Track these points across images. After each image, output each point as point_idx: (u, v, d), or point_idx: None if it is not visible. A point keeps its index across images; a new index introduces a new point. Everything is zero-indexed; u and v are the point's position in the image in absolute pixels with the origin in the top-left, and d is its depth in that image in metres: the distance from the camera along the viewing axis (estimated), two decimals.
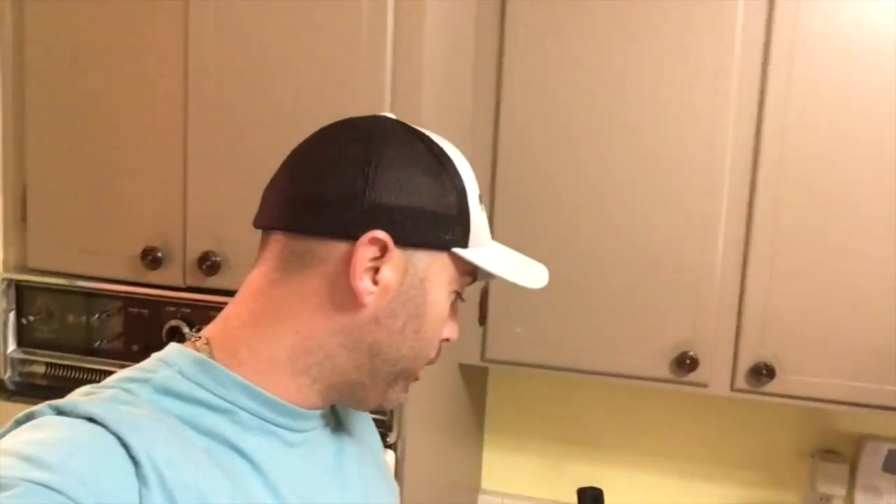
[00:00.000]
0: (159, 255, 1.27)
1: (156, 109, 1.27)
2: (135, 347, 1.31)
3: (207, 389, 0.64)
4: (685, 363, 1.35)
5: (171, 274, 1.28)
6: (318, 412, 0.72)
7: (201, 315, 1.28)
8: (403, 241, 0.65)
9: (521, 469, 1.80)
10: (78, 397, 0.61)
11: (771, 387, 1.33)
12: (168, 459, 0.57)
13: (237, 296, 0.70)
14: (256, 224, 0.72)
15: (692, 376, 1.36)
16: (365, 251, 0.64)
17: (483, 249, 0.71)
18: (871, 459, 1.58)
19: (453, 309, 0.73)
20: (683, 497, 1.71)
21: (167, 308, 1.29)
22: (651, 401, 1.70)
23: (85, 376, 1.34)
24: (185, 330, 1.27)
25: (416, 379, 0.74)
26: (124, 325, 1.32)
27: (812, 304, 1.30)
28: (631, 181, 1.36)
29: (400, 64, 1.16)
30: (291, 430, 0.68)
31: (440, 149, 0.69)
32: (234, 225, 1.25)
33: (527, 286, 0.73)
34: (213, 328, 0.69)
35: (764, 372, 1.32)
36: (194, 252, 1.26)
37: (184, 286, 1.28)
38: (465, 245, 0.68)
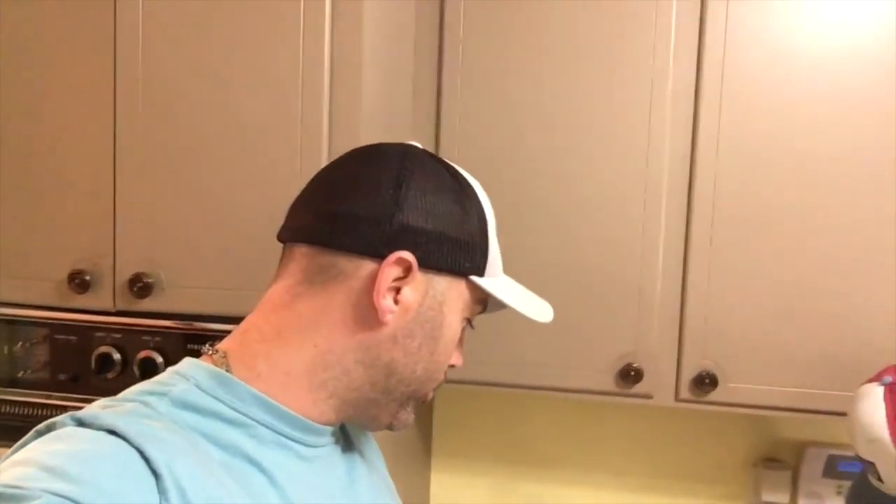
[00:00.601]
0: (87, 278, 1.22)
1: (83, 126, 1.22)
2: (62, 377, 1.25)
3: (224, 403, 0.65)
4: (630, 375, 1.35)
5: (100, 298, 1.23)
6: (330, 427, 0.72)
7: (133, 340, 1.23)
8: (427, 264, 0.68)
9: (470, 491, 1.78)
10: (98, 409, 0.61)
11: (714, 396, 1.34)
12: (188, 473, 0.57)
13: (256, 309, 0.71)
14: (281, 237, 0.74)
15: (637, 388, 1.36)
16: (390, 270, 0.66)
17: (497, 280, 0.75)
18: (813, 466, 1.61)
19: (462, 335, 0.76)
20: None
21: (97, 334, 1.24)
22: (598, 415, 1.70)
23: (8, 409, 1.27)
24: (116, 356, 1.22)
25: (425, 401, 0.76)
26: (51, 353, 1.25)
27: (751, 313, 1.32)
28: (569, 195, 1.37)
29: (338, 70, 1.15)
30: (306, 444, 0.69)
31: (464, 179, 0.73)
32: (167, 245, 1.20)
33: (536, 320, 0.78)
34: (230, 341, 0.70)
35: (707, 381, 1.33)
36: (125, 274, 1.21)
37: (114, 310, 1.23)
38: (481, 274, 0.72)
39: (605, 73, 1.35)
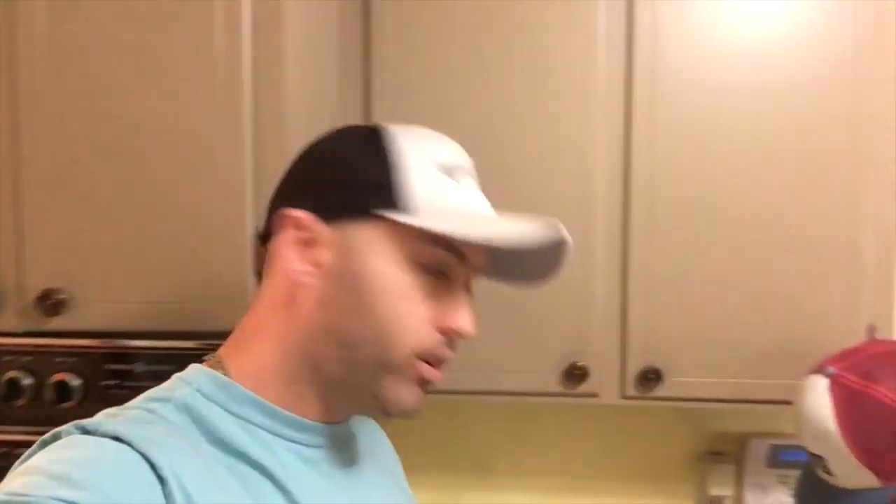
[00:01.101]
0: None
1: None
2: None
3: (224, 407, 0.65)
4: (575, 374, 1.32)
5: (4, 319, 1.13)
6: (331, 426, 0.70)
7: (45, 363, 1.13)
8: (326, 214, 0.66)
9: None
10: (102, 417, 0.61)
11: (660, 391, 1.32)
12: (193, 477, 0.57)
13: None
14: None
15: (583, 387, 1.33)
16: (285, 234, 0.66)
17: (443, 218, 0.65)
18: (756, 457, 1.61)
19: (438, 290, 0.66)
20: None
21: (4, 358, 1.14)
22: (540, 418, 1.66)
23: None
24: (27, 381, 1.12)
25: (421, 376, 0.67)
26: None
27: (692, 307, 1.32)
28: (505, 197, 1.33)
29: (260, 72, 1.09)
30: (306, 445, 0.68)
31: (383, 127, 0.69)
32: (79, 257, 1.12)
33: (498, 240, 0.65)
34: (226, 345, 0.71)
35: (652, 377, 1.31)
36: (33, 291, 1.11)
37: (21, 331, 1.13)
38: (398, 209, 0.65)
39: (536, 74, 1.32)
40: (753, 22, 1.29)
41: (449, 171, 0.67)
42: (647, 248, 1.32)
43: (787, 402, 1.29)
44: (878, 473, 0.97)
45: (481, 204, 0.70)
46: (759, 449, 1.61)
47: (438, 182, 0.67)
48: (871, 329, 1.28)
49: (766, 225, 1.30)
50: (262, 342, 0.68)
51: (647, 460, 1.66)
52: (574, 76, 1.32)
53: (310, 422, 0.68)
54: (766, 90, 1.29)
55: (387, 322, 0.64)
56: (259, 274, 1.08)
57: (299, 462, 0.67)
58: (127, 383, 1.13)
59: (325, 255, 0.65)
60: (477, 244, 0.65)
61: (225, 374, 0.67)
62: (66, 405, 1.12)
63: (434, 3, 1.33)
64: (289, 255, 0.66)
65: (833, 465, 1.01)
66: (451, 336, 0.67)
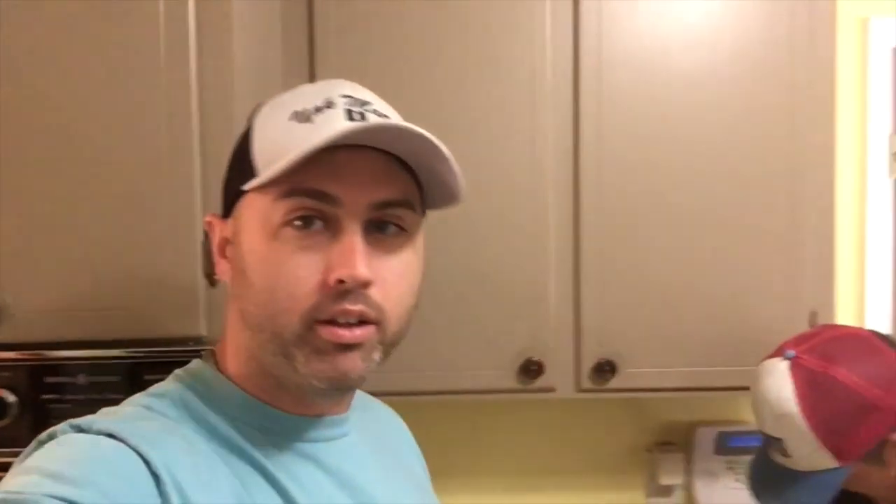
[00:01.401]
0: None
1: None
2: None
3: (218, 403, 0.65)
4: (531, 370, 1.32)
5: None
6: (327, 419, 0.69)
7: None
8: (225, 211, 0.68)
9: None
10: (97, 415, 0.62)
11: (615, 383, 1.33)
12: (188, 474, 0.58)
13: None
14: None
15: (539, 382, 1.33)
16: (211, 239, 0.69)
17: (276, 164, 0.60)
18: (704, 445, 1.65)
19: (317, 244, 0.61)
20: None
21: None
22: (498, 417, 1.65)
23: None
24: None
25: (332, 341, 0.61)
26: None
27: (644, 299, 1.33)
28: None
29: (207, 73, 1.05)
30: (303, 441, 0.67)
31: (261, 102, 0.69)
32: (12, 264, 1.05)
33: (307, 151, 0.58)
34: (221, 338, 0.71)
35: (607, 369, 1.32)
36: None
37: None
38: (255, 174, 0.63)
39: (484, 71, 1.32)
40: (698, 15, 1.32)
41: (306, 117, 0.62)
42: (599, 242, 1.33)
43: (737, 389, 1.33)
44: (836, 453, 1.00)
45: (332, 128, 0.60)
46: (706, 437, 1.65)
47: (286, 133, 0.62)
48: (814, 316, 1.33)
49: (712, 217, 1.33)
50: (228, 332, 0.70)
51: (599, 453, 1.68)
52: (522, 70, 1.32)
53: (299, 416, 0.67)
54: (709, 84, 1.32)
55: (270, 296, 0.61)
56: (209, 276, 1.05)
57: (297, 457, 0.66)
58: (68, 396, 1.07)
59: (230, 250, 0.67)
60: (293, 167, 0.58)
61: (218, 369, 0.68)
62: (1, 423, 1.05)
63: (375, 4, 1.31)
64: (215, 257, 0.69)
65: (791, 446, 1.03)
66: (339, 289, 0.60)
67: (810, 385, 1.00)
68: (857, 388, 0.98)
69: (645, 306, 1.33)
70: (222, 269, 0.68)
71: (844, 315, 1.58)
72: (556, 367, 1.33)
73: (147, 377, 1.02)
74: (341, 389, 0.65)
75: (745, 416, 1.67)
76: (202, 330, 1.06)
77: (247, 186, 0.63)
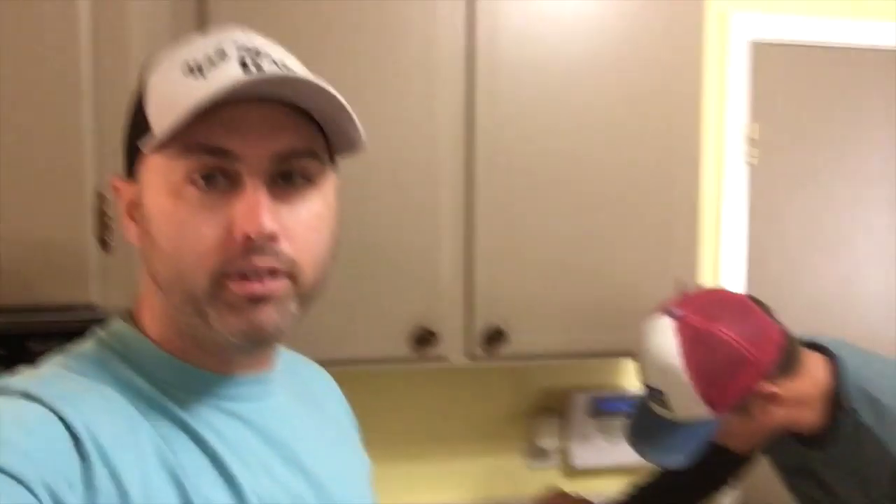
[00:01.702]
0: None
1: None
2: None
3: (136, 362, 0.64)
4: (425, 339, 1.35)
5: None
6: (250, 377, 0.68)
7: None
8: (128, 173, 0.65)
9: None
10: (13, 377, 0.60)
11: (504, 350, 1.39)
12: (109, 434, 0.57)
13: None
14: None
15: (432, 351, 1.36)
16: (119, 202, 0.67)
17: (169, 122, 0.58)
18: (578, 409, 1.75)
19: (221, 200, 0.60)
20: (423, 482, 1.72)
21: None
22: (386, 387, 1.67)
23: None
24: None
25: (243, 295, 0.60)
26: None
27: (533, 269, 1.39)
28: (349, 163, 1.32)
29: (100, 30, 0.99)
30: (226, 399, 0.66)
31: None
32: None
33: (196, 106, 0.56)
34: (138, 297, 0.69)
35: (497, 337, 1.37)
36: None
37: None
38: (147, 136, 0.61)
39: (380, 37, 1.32)
40: (583, 6, 1.38)
41: (198, 69, 0.60)
42: (490, 214, 1.37)
43: (615, 354, 1.43)
44: (711, 404, 1.10)
45: (225, 80, 0.57)
46: (580, 401, 1.75)
47: (178, 88, 0.60)
48: (680, 284, 1.44)
49: (591, 196, 1.41)
50: (146, 300, 0.68)
51: (482, 420, 1.74)
52: (416, 39, 1.33)
53: (221, 375, 0.66)
54: (591, 73, 1.39)
55: (176, 255, 0.60)
56: (102, 239, 1.00)
57: (222, 415, 0.65)
58: None
59: (136, 212, 0.64)
60: (186, 123, 0.56)
61: (137, 329, 0.66)
62: None
63: None
64: (124, 224, 0.66)
65: (672, 398, 1.12)
66: (247, 245, 0.59)
67: (693, 341, 1.09)
68: (734, 343, 1.08)
69: (533, 278, 1.39)
70: (131, 232, 0.66)
71: (705, 283, 1.72)
72: (448, 335, 1.37)
73: (32, 346, 0.97)
74: (258, 343, 0.64)
75: (617, 381, 1.79)
76: (94, 297, 1.00)
77: (143, 146, 0.61)
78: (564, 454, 1.77)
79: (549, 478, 1.76)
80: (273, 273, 0.61)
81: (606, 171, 1.41)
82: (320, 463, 0.71)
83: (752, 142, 1.81)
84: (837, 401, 1.14)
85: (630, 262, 1.44)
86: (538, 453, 1.75)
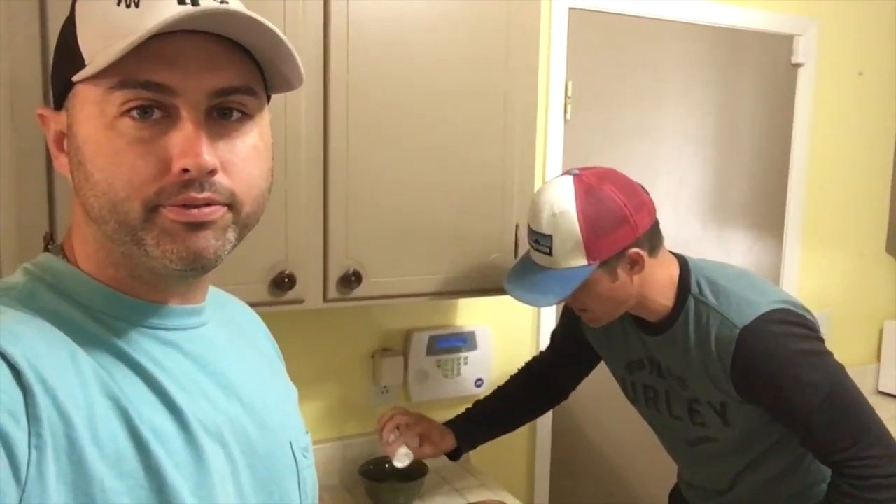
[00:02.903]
0: None
1: None
2: None
3: (68, 293, 0.64)
4: (283, 283, 1.38)
5: None
6: (183, 307, 0.70)
7: None
8: (57, 103, 0.65)
9: None
10: None
11: (359, 292, 1.45)
12: (49, 366, 0.56)
13: None
14: None
15: (290, 294, 1.40)
16: (46, 133, 0.67)
17: (105, 56, 0.59)
18: (417, 348, 1.86)
19: (158, 133, 0.60)
20: None
21: None
22: None
23: None
24: None
25: (181, 220, 0.62)
26: None
27: (384, 218, 1.46)
28: None
29: None
30: (161, 328, 0.67)
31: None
32: None
33: (131, 42, 0.57)
34: (68, 229, 0.69)
35: (353, 279, 1.43)
36: None
37: None
38: (84, 63, 0.61)
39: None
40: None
41: (133, 0, 0.60)
42: (345, 161, 1.41)
43: (457, 293, 1.55)
44: (589, 252, 1.28)
45: (161, 13, 0.59)
46: (419, 341, 1.86)
47: (112, 19, 0.60)
48: (517, 229, 1.58)
49: (439, 149, 1.49)
50: (77, 231, 0.68)
51: (332, 361, 1.81)
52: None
53: (156, 304, 0.67)
54: (442, 32, 1.47)
55: (108, 186, 0.61)
56: None
57: (159, 344, 0.67)
58: None
59: (66, 143, 0.64)
60: (122, 56, 0.57)
61: (67, 260, 0.66)
62: None
63: None
64: (52, 151, 0.67)
65: (557, 243, 1.29)
66: (184, 178, 0.60)
67: (586, 193, 1.28)
68: (619, 202, 1.28)
69: (386, 223, 1.46)
70: (61, 162, 0.66)
71: None
72: (306, 279, 1.41)
73: None
74: (197, 269, 0.65)
75: (451, 320, 1.92)
76: None
77: (76, 78, 0.61)
78: (405, 390, 1.88)
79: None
80: (210, 204, 0.62)
81: (451, 129, 1.50)
82: (253, 389, 0.74)
83: (567, 98, 1.99)
84: (685, 285, 1.35)
85: (474, 210, 1.55)
86: (382, 391, 1.85)
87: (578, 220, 1.27)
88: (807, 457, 1.40)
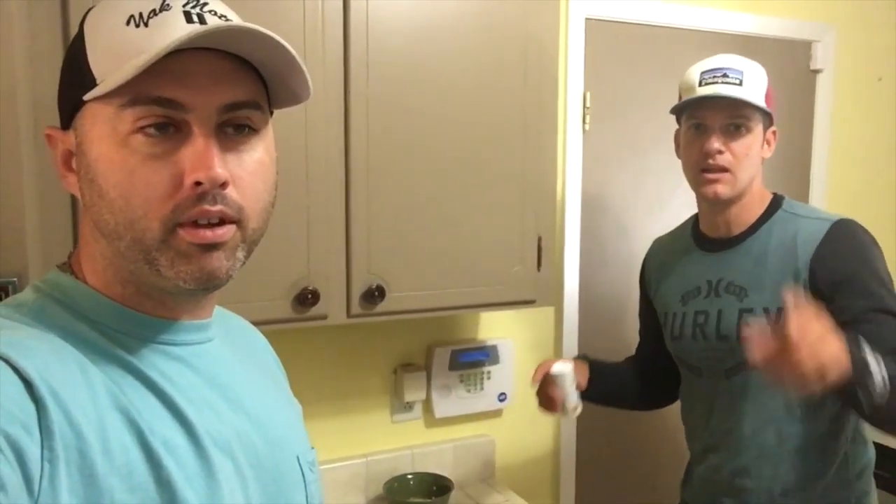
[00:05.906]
0: None
1: None
2: None
3: (78, 309, 0.65)
4: (307, 298, 1.37)
5: None
6: (191, 323, 0.70)
7: None
8: (65, 122, 0.66)
9: None
10: None
11: (383, 307, 1.44)
12: (61, 381, 0.57)
13: None
14: None
15: (314, 310, 1.39)
16: (54, 153, 0.67)
17: (118, 75, 0.60)
18: (440, 363, 1.85)
19: (171, 149, 0.62)
20: None
21: None
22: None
23: None
24: None
25: (193, 242, 0.63)
26: None
27: (406, 230, 1.46)
28: None
29: None
30: (170, 343, 0.68)
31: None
32: None
33: (145, 62, 0.58)
34: (77, 246, 0.70)
35: (376, 294, 1.43)
36: None
37: None
38: (96, 82, 0.62)
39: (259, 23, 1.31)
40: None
41: (142, 20, 0.62)
42: (366, 179, 1.41)
43: (479, 306, 1.53)
44: (767, 98, 1.42)
45: (171, 32, 0.61)
46: (442, 356, 1.85)
47: (122, 39, 0.62)
48: (540, 240, 1.57)
49: (461, 163, 1.49)
50: (86, 248, 0.69)
51: (354, 377, 1.79)
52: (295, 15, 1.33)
53: (164, 319, 0.68)
54: (456, 35, 1.47)
55: (125, 203, 0.61)
56: None
57: (167, 359, 0.67)
58: None
59: (75, 162, 0.65)
60: (135, 75, 0.59)
61: (76, 277, 0.67)
62: None
63: None
64: (59, 171, 0.67)
65: (748, 77, 1.42)
66: (197, 191, 0.61)
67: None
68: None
69: (407, 238, 1.46)
70: (69, 181, 0.66)
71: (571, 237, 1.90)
72: (329, 294, 1.40)
73: None
74: (209, 289, 0.66)
75: (472, 335, 1.91)
76: None
77: (88, 97, 0.62)
78: (428, 405, 1.86)
79: (413, 429, 1.86)
80: (222, 220, 0.64)
81: (472, 142, 1.50)
82: (258, 403, 0.74)
83: (585, 109, 1.98)
84: (777, 202, 1.46)
85: (493, 223, 1.54)
86: (404, 407, 1.84)
87: (764, 72, 1.44)
88: (849, 425, 1.39)
